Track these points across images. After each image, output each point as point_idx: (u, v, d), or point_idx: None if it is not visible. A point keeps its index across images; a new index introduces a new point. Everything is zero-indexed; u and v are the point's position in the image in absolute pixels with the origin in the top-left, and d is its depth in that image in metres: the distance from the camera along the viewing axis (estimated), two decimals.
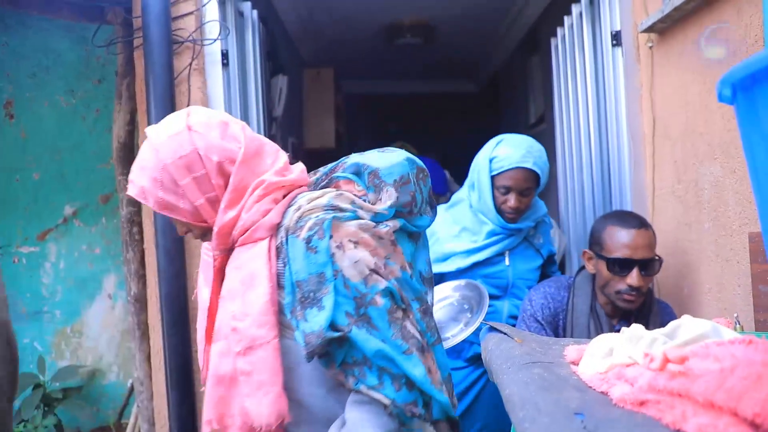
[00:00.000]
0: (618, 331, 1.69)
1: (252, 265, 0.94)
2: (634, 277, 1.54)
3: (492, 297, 1.76)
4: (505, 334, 0.95)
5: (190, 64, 1.99)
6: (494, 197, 1.77)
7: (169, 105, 1.91)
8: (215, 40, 2.04)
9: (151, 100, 1.90)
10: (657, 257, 1.59)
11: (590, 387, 0.76)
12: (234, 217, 0.96)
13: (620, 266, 1.56)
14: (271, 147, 1.05)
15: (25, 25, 2.51)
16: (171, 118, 1.02)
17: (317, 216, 0.92)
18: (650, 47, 1.94)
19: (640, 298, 1.58)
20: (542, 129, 4.20)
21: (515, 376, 0.79)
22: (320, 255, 0.90)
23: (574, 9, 2.44)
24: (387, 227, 0.96)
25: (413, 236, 1.06)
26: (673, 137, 1.85)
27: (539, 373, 0.79)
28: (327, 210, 0.94)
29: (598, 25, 2.27)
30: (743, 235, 1.50)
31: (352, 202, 0.97)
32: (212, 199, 0.98)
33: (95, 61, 2.57)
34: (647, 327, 1.63)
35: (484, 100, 6.45)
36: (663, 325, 1.69)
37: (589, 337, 1.67)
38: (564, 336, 1.72)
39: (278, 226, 0.96)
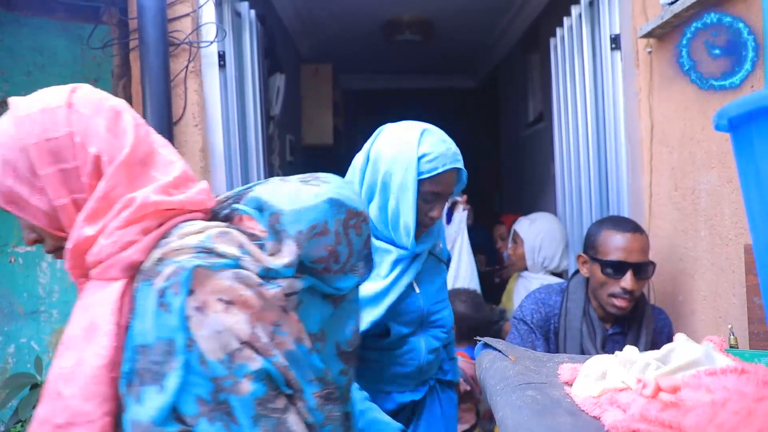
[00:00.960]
0: (611, 335, 1.72)
1: (97, 311, 0.72)
2: (627, 280, 1.57)
3: (405, 336, 1.39)
4: (499, 351, 0.95)
5: (187, 67, 1.98)
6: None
7: (166, 107, 1.90)
8: (212, 43, 2.02)
9: (147, 103, 1.89)
10: (650, 262, 1.62)
11: (583, 410, 0.76)
12: (89, 238, 0.74)
13: (614, 269, 1.59)
14: (166, 156, 0.81)
15: (20, 22, 2.48)
16: (51, 90, 0.80)
17: (179, 261, 0.69)
18: (649, 52, 1.94)
19: (631, 303, 1.61)
20: (541, 127, 4.19)
21: (509, 398, 0.79)
22: (172, 316, 0.68)
23: (574, 10, 2.42)
24: (278, 288, 0.73)
25: (331, 298, 0.82)
26: (671, 144, 1.85)
27: (532, 395, 0.79)
28: (197, 253, 0.70)
29: (597, 28, 2.26)
30: (739, 245, 1.50)
31: (241, 246, 0.73)
32: (80, 202, 0.76)
33: (91, 60, 2.54)
34: (640, 332, 1.67)
35: (483, 96, 6.43)
36: (657, 330, 1.73)
37: (582, 340, 1.70)
38: (556, 339, 1.74)
39: (140, 265, 0.73)
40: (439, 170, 1.34)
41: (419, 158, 1.34)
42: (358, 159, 1.40)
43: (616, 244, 1.59)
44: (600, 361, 0.83)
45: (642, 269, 1.59)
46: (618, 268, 1.58)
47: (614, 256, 1.59)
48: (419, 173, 1.33)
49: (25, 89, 2.78)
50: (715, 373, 0.67)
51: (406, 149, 1.34)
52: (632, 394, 0.72)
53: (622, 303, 1.59)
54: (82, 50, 2.53)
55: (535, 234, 2.46)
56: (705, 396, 0.62)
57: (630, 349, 0.82)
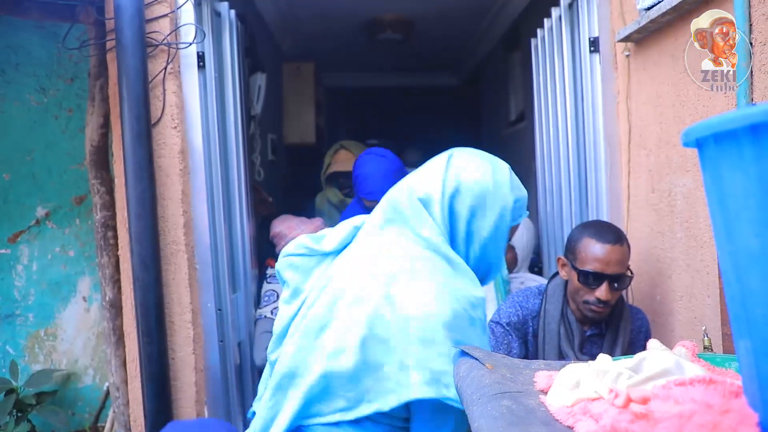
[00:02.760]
0: (589, 337, 1.74)
1: None
2: (602, 291, 1.58)
3: None
4: (476, 359, 0.96)
5: (165, 68, 1.95)
6: None
7: (144, 109, 1.88)
8: (190, 44, 2.00)
9: (125, 104, 1.86)
10: (628, 272, 1.63)
11: (557, 420, 0.77)
12: None
13: (591, 279, 1.59)
14: None
15: None
16: None
17: None
18: (627, 56, 1.96)
19: (606, 310, 1.63)
20: (522, 126, 4.22)
21: (484, 409, 0.79)
22: None
23: (554, 12, 2.44)
24: None
25: None
26: (648, 146, 1.87)
27: (508, 405, 0.79)
28: None
29: (577, 30, 2.27)
30: (713, 247, 1.53)
31: None
32: None
33: (67, 59, 2.50)
34: (618, 333, 1.70)
35: (465, 94, 6.45)
36: (635, 331, 1.75)
37: (559, 342, 1.72)
38: (536, 341, 1.76)
39: None
40: (523, 217, 1.14)
41: (516, 201, 1.11)
42: (429, 191, 1.09)
43: (595, 254, 1.59)
44: (574, 369, 0.84)
45: (618, 281, 1.60)
46: (594, 279, 1.59)
47: (591, 266, 1.58)
48: (512, 220, 1.12)
49: None
50: (684, 384, 0.68)
51: (501, 191, 1.09)
52: (604, 404, 0.73)
53: (597, 309, 1.61)
54: (58, 49, 2.48)
55: (521, 235, 2.55)
56: (673, 407, 0.63)
57: (604, 358, 0.83)
